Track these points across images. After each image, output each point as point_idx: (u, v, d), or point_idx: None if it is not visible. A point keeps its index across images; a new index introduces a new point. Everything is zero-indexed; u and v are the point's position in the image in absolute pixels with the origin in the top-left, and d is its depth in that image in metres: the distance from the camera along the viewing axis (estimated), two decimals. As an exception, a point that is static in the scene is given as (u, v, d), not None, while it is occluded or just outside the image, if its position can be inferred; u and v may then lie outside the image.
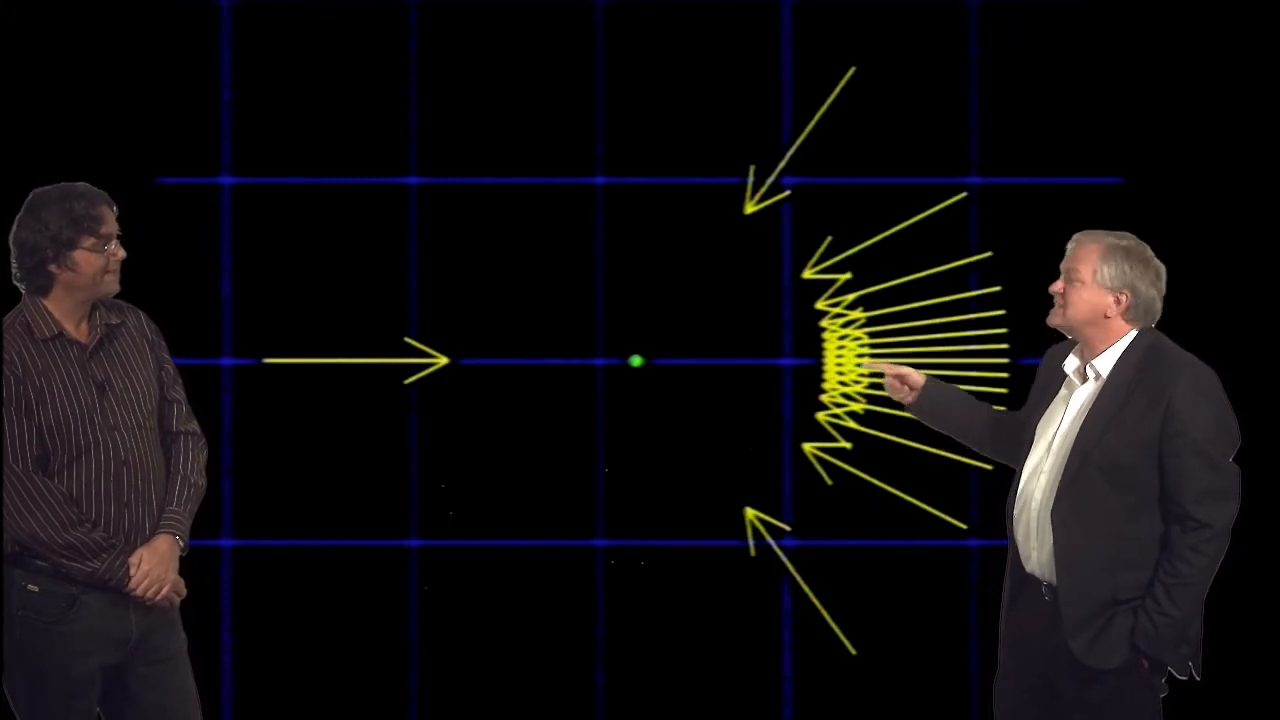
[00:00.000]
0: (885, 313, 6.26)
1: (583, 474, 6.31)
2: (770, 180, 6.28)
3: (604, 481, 6.31)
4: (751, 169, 6.28)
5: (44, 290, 4.60)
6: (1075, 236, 4.70)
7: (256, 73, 6.26)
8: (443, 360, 6.29)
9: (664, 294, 6.29)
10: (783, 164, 6.28)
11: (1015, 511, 4.68)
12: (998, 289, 6.24)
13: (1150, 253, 4.65)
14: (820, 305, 6.29)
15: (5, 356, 4.54)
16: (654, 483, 6.30)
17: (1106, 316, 4.60)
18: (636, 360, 6.30)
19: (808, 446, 6.24)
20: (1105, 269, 4.60)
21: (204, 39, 6.24)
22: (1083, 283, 4.62)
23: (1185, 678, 4.63)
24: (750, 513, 6.29)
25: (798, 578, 6.27)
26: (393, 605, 6.30)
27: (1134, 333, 4.62)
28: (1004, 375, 6.21)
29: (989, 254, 6.26)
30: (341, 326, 6.28)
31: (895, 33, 6.27)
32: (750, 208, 6.30)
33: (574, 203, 6.30)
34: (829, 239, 6.27)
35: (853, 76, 6.26)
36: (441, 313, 6.30)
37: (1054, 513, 4.56)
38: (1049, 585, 4.60)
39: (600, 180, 6.29)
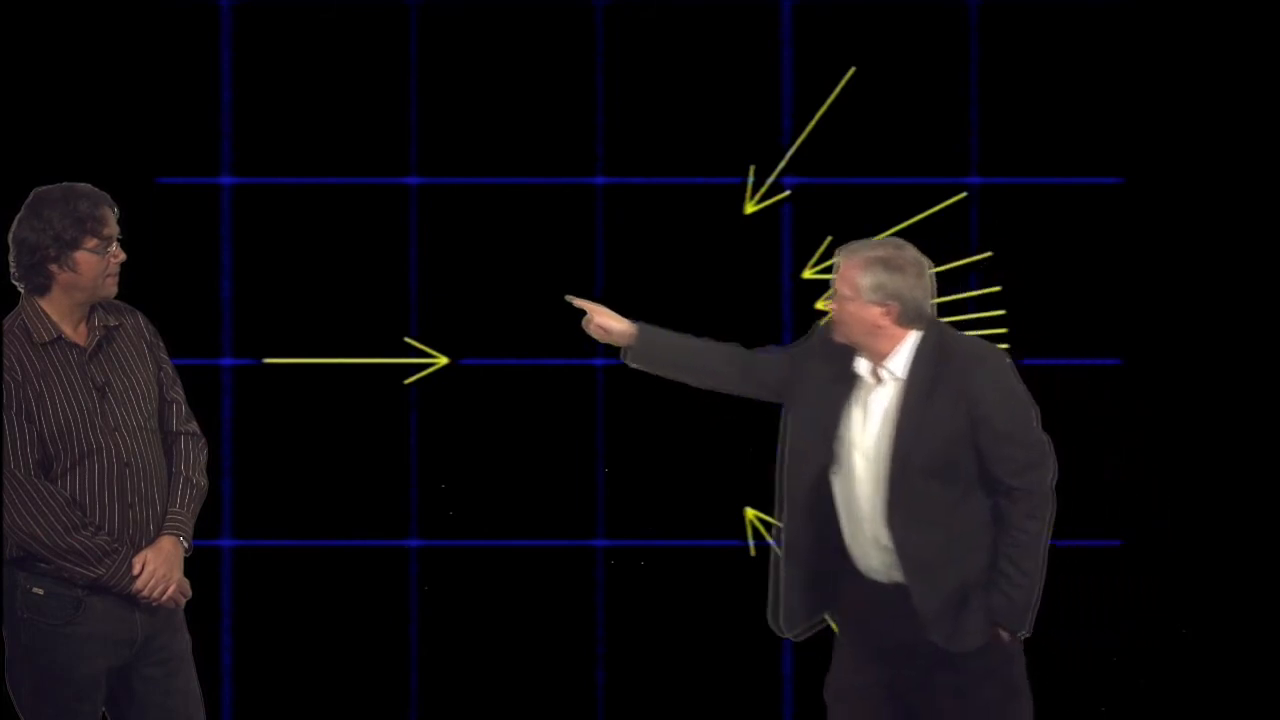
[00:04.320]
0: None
1: (583, 474, 6.31)
2: (770, 180, 6.28)
3: (604, 481, 6.31)
4: (751, 169, 6.28)
5: (42, 291, 4.59)
6: (837, 252, 4.71)
7: (256, 73, 6.26)
8: (443, 360, 6.29)
9: (664, 294, 6.29)
10: (783, 164, 6.28)
11: (847, 522, 4.69)
12: (998, 289, 6.24)
13: (909, 255, 4.64)
14: (820, 305, 6.29)
15: (5, 361, 4.53)
16: (654, 483, 6.30)
17: (879, 326, 4.62)
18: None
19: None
20: (864, 282, 4.61)
21: (204, 39, 6.24)
22: (848, 299, 4.63)
23: (1027, 635, 4.69)
24: (750, 513, 6.29)
25: (798, 578, 6.27)
26: (393, 605, 6.30)
27: (918, 331, 4.63)
28: (1004, 375, 6.21)
29: (989, 254, 6.26)
30: (341, 326, 6.28)
31: (895, 33, 6.27)
32: (750, 208, 6.30)
33: (574, 203, 6.30)
34: (829, 239, 6.27)
35: (853, 76, 6.26)
36: (441, 313, 6.30)
37: (889, 521, 4.60)
38: (895, 585, 4.64)
39: (600, 180, 6.29)
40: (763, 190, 6.29)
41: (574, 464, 6.31)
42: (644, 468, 6.30)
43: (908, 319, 4.62)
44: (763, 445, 6.27)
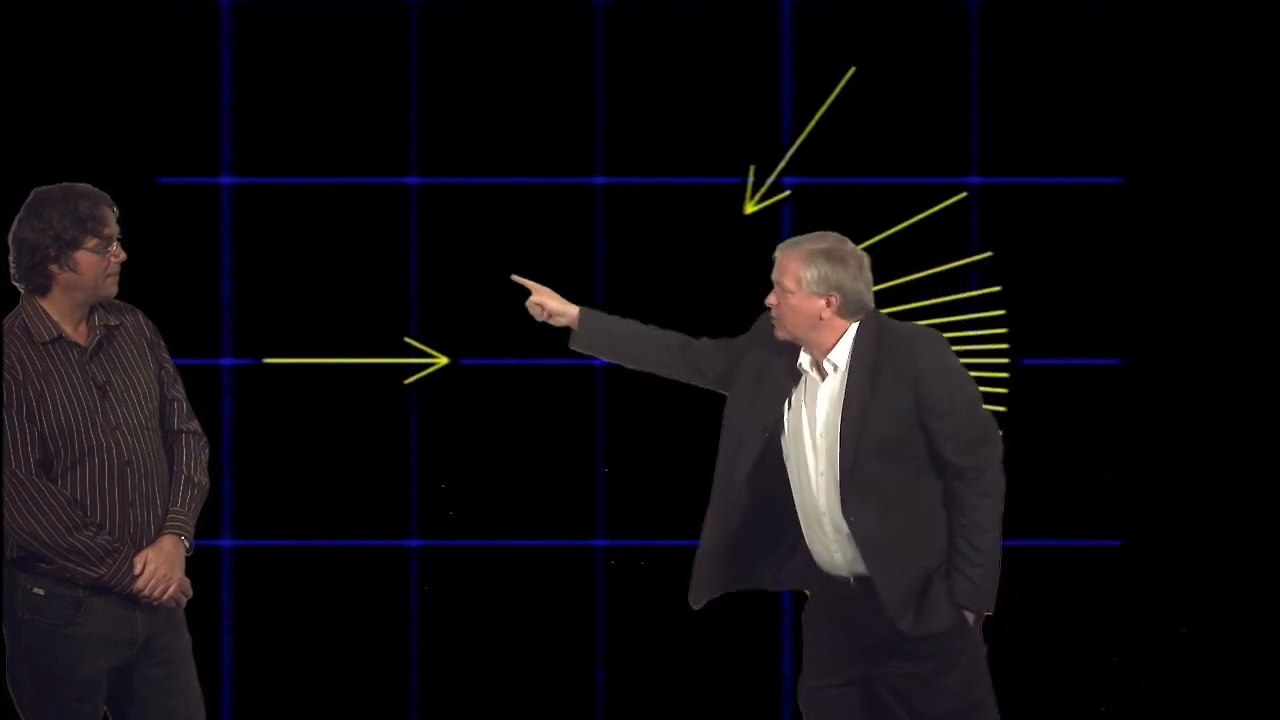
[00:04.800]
0: (885, 312, 6.25)
1: (583, 474, 6.31)
2: (770, 180, 6.28)
3: (604, 481, 6.31)
4: (751, 169, 6.28)
5: (42, 291, 4.58)
6: (778, 248, 4.74)
7: (256, 73, 6.26)
8: (443, 360, 6.29)
9: (664, 294, 6.29)
10: (783, 164, 6.28)
11: (804, 521, 4.71)
12: (998, 289, 6.24)
13: (850, 248, 4.69)
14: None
15: (5, 360, 4.53)
16: (654, 483, 6.30)
17: (821, 319, 4.65)
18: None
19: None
20: (807, 275, 4.64)
21: (204, 39, 6.24)
22: (790, 292, 4.66)
23: (990, 613, 4.71)
24: (750, 513, 6.28)
25: (798, 578, 6.27)
26: (393, 605, 6.30)
27: (857, 322, 4.67)
28: (1004, 375, 6.21)
29: (989, 254, 6.26)
30: (341, 326, 6.28)
31: (895, 33, 6.27)
32: (750, 208, 6.30)
33: (574, 203, 6.30)
34: (829, 239, 6.26)
35: (853, 76, 6.26)
36: (441, 313, 6.30)
37: (845, 510, 4.62)
38: (857, 578, 4.66)
39: (600, 180, 6.29)
40: (763, 190, 6.29)
41: (574, 464, 6.31)
42: (644, 468, 6.31)
43: (849, 310, 4.66)
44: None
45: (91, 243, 4.56)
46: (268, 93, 6.27)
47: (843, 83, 6.26)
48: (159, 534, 4.61)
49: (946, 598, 4.61)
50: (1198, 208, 6.21)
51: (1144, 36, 6.22)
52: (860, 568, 4.65)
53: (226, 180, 6.27)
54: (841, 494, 4.62)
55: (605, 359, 5.08)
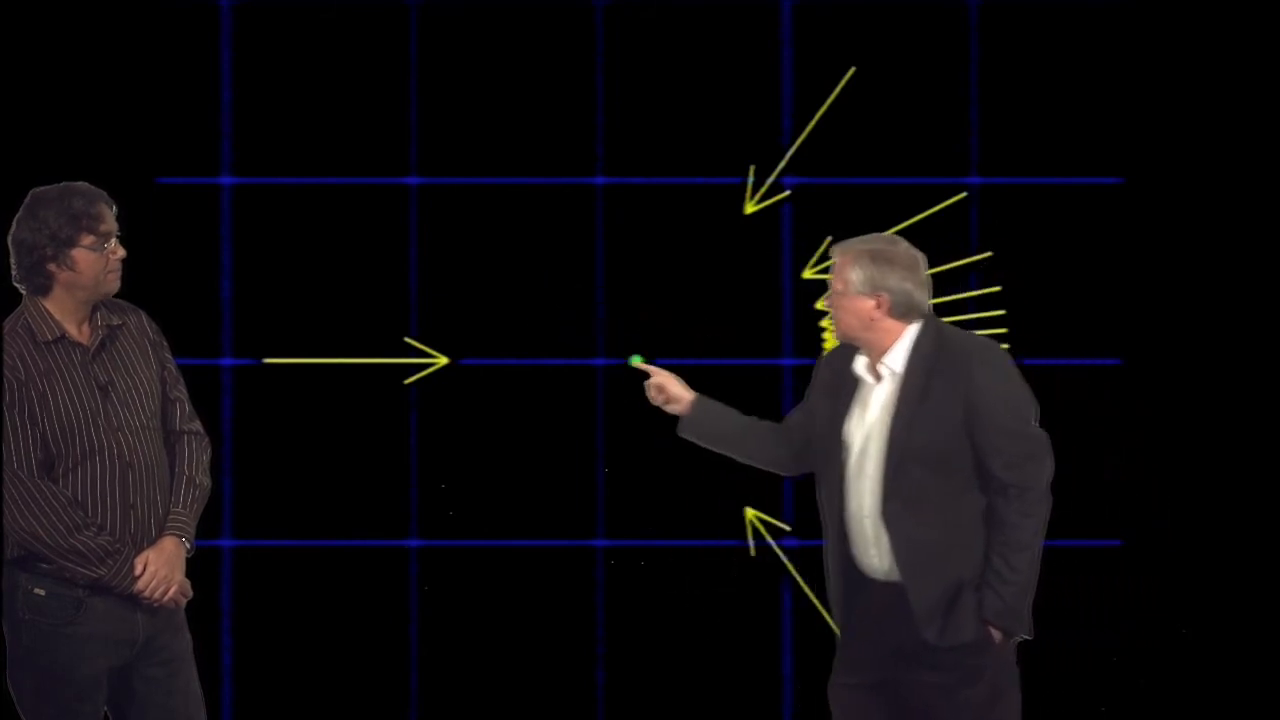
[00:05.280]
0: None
1: (583, 474, 6.31)
2: (770, 180, 6.28)
3: (604, 481, 6.31)
4: (751, 169, 6.28)
5: (44, 290, 4.58)
6: (832, 250, 4.77)
7: (256, 73, 6.26)
8: (443, 360, 6.29)
9: (664, 294, 6.29)
10: (783, 164, 6.28)
11: (848, 521, 4.72)
12: (998, 289, 6.24)
13: (901, 249, 4.70)
14: (820, 305, 6.29)
15: (7, 360, 4.53)
16: (654, 483, 6.30)
17: (872, 320, 4.66)
18: (636, 360, 6.30)
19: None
20: (854, 276, 4.67)
21: (204, 39, 6.24)
22: (840, 293, 4.70)
23: (1027, 638, 4.70)
24: (750, 513, 6.29)
25: (798, 578, 6.27)
26: (393, 605, 6.30)
27: (915, 326, 4.67)
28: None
29: (989, 254, 6.26)
30: (341, 326, 6.28)
31: (895, 33, 6.27)
32: (750, 208, 6.30)
33: (574, 203, 6.30)
34: (829, 239, 6.26)
35: (853, 76, 6.26)
36: (441, 313, 6.30)
37: (884, 514, 4.62)
38: (893, 583, 4.65)
39: (600, 180, 6.30)
40: (763, 190, 6.29)
41: (574, 464, 6.31)
42: (644, 468, 6.30)
43: (899, 311, 4.66)
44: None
45: (88, 240, 4.56)
46: (268, 93, 6.27)
47: (843, 83, 6.26)
48: (160, 535, 4.61)
49: (974, 611, 4.60)
50: (1198, 208, 6.21)
51: (1144, 36, 6.22)
52: (894, 573, 4.66)
53: (226, 180, 6.27)
54: (883, 497, 4.63)
55: (711, 447, 5.05)
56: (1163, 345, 6.21)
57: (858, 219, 6.23)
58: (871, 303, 4.65)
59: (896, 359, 4.67)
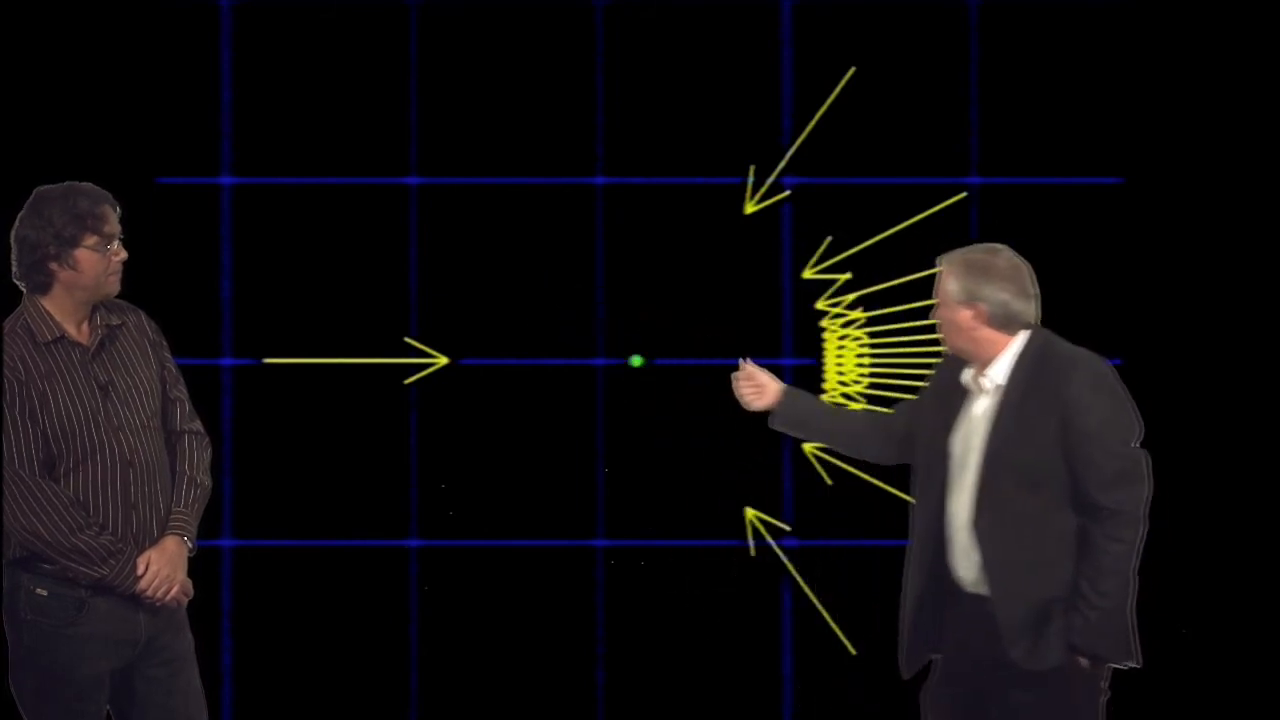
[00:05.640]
0: (885, 313, 6.26)
1: (583, 474, 6.31)
2: (770, 180, 6.28)
3: (604, 481, 6.31)
4: (751, 169, 6.28)
5: (44, 289, 4.58)
6: (937, 260, 4.75)
7: (256, 73, 6.26)
8: (443, 360, 6.29)
9: (664, 294, 6.29)
10: (783, 164, 6.28)
11: (948, 530, 4.69)
12: (998, 289, 6.24)
13: (1002, 259, 4.65)
14: (820, 305, 6.29)
15: (7, 361, 4.53)
16: (654, 483, 6.30)
17: (972, 330, 4.63)
18: (636, 360, 6.30)
19: (808, 446, 6.24)
20: (952, 286, 4.65)
21: (204, 39, 6.24)
22: (941, 304, 4.68)
23: (1128, 667, 4.66)
24: (750, 513, 6.29)
25: (798, 578, 6.27)
26: (393, 605, 6.30)
27: (1022, 338, 4.64)
28: (1004, 375, 6.21)
29: (989, 254, 6.25)
30: (341, 326, 6.28)
31: (895, 33, 6.27)
32: (750, 208, 6.30)
33: (574, 203, 6.30)
34: (829, 239, 6.27)
35: (853, 76, 6.26)
36: (441, 313, 6.30)
37: (976, 527, 4.59)
38: (983, 597, 4.62)
39: (600, 180, 6.30)
40: (763, 190, 6.29)
41: (574, 464, 6.31)
42: (644, 468, 6.30)
43: (999, 322, 4.61)
44: (763, 446, 6.29)
45: (91, 240, 4.56)
46: (268, 93, 6.27)
47: (843, 83, 6.27)
48: (161, 534, 4.61)
49: (1061, 635, 4.54)
50: (1198, 208, 6.21)
51: (1144, 36, 6.22)
52: (983, 588, 4.62)
53: (226, 180, 6.27)
54: (975, 511, 4.59)
55: (806, 437, 5.09)
56: (1163, 345, 6.21)
57: (858, 219, 6.24)
58: (969, 313, 4.61)
59: (1000, 371, 4.62)
